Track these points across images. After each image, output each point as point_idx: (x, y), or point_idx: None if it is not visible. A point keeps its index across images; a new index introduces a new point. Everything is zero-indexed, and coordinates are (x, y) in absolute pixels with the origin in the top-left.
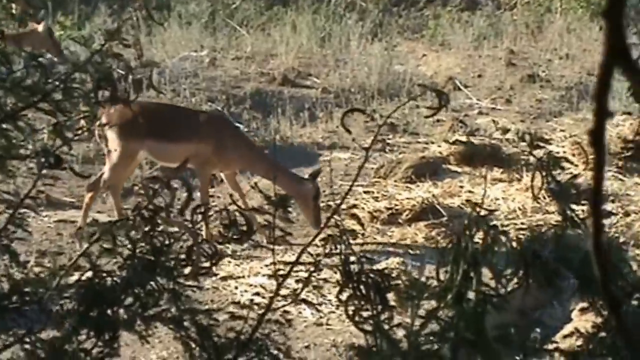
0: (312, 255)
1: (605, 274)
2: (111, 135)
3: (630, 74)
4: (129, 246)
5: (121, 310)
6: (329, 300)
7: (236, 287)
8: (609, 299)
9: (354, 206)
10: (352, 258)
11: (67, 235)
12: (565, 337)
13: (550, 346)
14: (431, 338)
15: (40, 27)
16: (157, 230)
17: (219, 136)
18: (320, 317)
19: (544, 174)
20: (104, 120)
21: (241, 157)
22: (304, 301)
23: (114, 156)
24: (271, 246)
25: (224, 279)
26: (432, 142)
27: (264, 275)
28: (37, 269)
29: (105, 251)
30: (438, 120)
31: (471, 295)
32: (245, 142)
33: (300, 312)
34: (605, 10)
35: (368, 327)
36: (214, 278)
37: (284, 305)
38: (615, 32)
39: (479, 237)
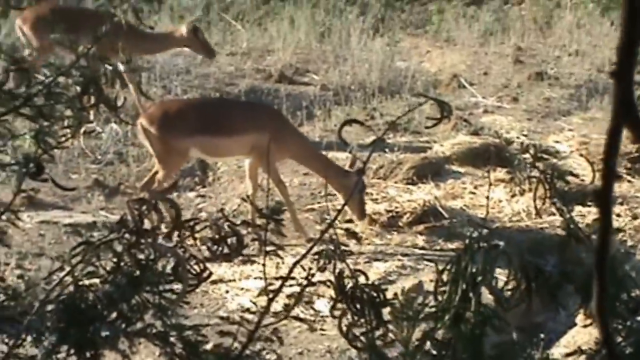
0: (304, 269)
1: (605, 328)
2: (157, 134)
3: (637, 132)
4: (113, 260)
5: (104, 327)
6: (321, 312)
7: (227, 292)
8: (603, 330)
9: (351, 220)
10: (346, 272)
11: (49, 237)
12: (567, 355)
13: None
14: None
15: (183, 29)
16: (142, 246)
17: (276, 126)
18: (314, 322)
19: (547, 187)
20: (144, 121)
21: (294, 146)
22: (296, 318)
23: (164, 156)
24: (262, 260)
25: (214, 282)
26: (435, 142)
27: (255, 279)
28: (17, 272)
29: (89, 274)
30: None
31: (470, 315)
32: (297, 133)
33: (290, 321)
34: (614, 71)
35: (362, 345)
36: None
37: (273, 323)
38: (624, 92)
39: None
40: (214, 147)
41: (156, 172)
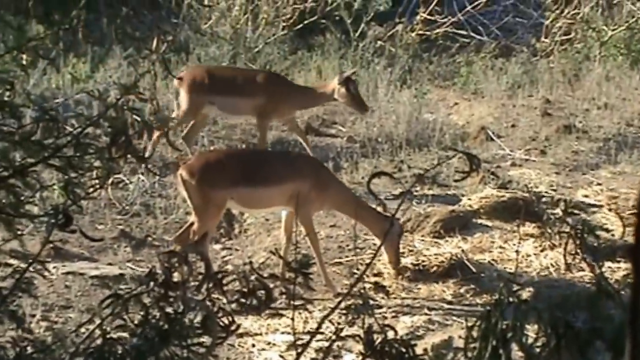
0: (333, 323)
1: None
2: (194, 186)
3: None
4: (142, 313)
5: None
6: None
7: (253, 345)
8: None
9: (379, 274)
10: (375, 327)
11: (75, 288)
12: None
13: None
14: None
15: (335, 81)
16: (171, 299)
17: (317, 174)
18: None
19: (577, 242)
20: (183, 172)
21: (336, 195)
22: None
23: (201, 207)
24: (290, 314)
25: (240, 335)
26: (463, 195)
27: (282, 333)
28: (43, 324)
29: (118, 327)
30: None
31: None
32: (336, 180)
33: None
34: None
35: None
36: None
37: None
38: None
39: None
40: (255, 198)
41: (192, 224)
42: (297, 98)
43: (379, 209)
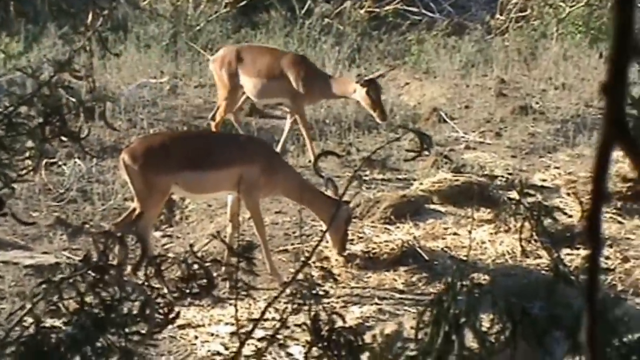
0: (277, 310)
1: None
2: (136, 171)
3: (630, 151)
4: (77, 299)
5: None
6: (294, 356)
7: (195, 337)
8: None
9: (326, 258)
10: (323, 314)
11: (9, 278)
12: None
13: None
14: None
15: (356, 86)
16: (107, 285)
17: (266, 158)
18: None
19: (534, 224)
20: (126, 157)
21: (285, 180)
22: None
23: (144, 193)
24: (233, 301)
25: (182, 327)
26: (414, 179)
27: (226, 324)
28: None
29: (51, 312)
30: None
31: (452, 359)
32: (286, 165)
33: None
34: (606, 85)
35: None
36: (170, 326)
37: None
38: (615, 107)
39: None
40: (199, 183)
41: (133, 211)
42: (330, 86)
43: (329, 192)
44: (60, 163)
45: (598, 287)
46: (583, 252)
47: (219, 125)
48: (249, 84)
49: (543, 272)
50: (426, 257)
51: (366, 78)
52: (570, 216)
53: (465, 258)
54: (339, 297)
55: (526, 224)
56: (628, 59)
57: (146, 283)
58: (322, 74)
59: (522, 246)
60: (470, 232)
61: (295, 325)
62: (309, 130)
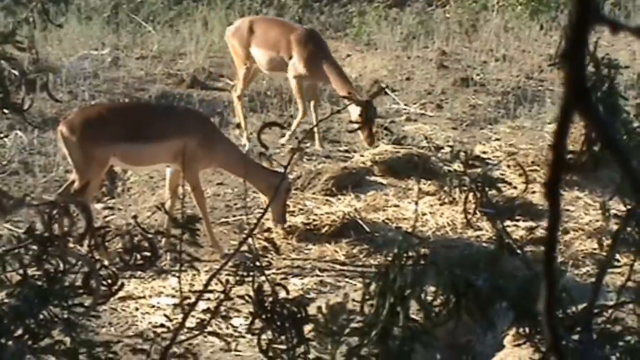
0: (221, 282)
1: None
2: (74, 142)
3: (589, 117)
4: (20, 272)
5: (9, 343)
6: (238, 328)
7: (136, 309)
8: (553, 343)
9: (268, 231)
10: (266, 286)
11: None
12: None
13: None
14: None
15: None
16: (51, 256)
17: (204, 130)
18: (229, 343)
19: (478, 195)
20: (64, 129)
21: (223, 152)
22: (212, 333)
23: (82, 165)
24: (174, 272)
25: (122, 299)
26: (355, 151)
27: (167, 296)
28: None
29: None
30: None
31: (397, 331)
32: (224, 137)
33: (206, 337)
34: (566, 51)
35: None
36: (111, 299)
37: (189, 339)
38: (575, 74)
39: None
40: (137, 155)
41: (72, 183)
42: (340, 76)
43: (266, 164)
44: (1, 135)
45: (556, 258)
46: (523, 224)
47: (241, 97)
48: (259, 56)
49: (484, 244)
50: (367, 229)
51: (363, 96)
52: (514, 187)
53: (407, 230)
54: (279, 269)
55: (470, 195)
56: (588, 25)
57: (89, 255)
58: (326, 57)
59: (467, 218)
60: (416, 202)
61: (238, 297)
62: (304, 102)
